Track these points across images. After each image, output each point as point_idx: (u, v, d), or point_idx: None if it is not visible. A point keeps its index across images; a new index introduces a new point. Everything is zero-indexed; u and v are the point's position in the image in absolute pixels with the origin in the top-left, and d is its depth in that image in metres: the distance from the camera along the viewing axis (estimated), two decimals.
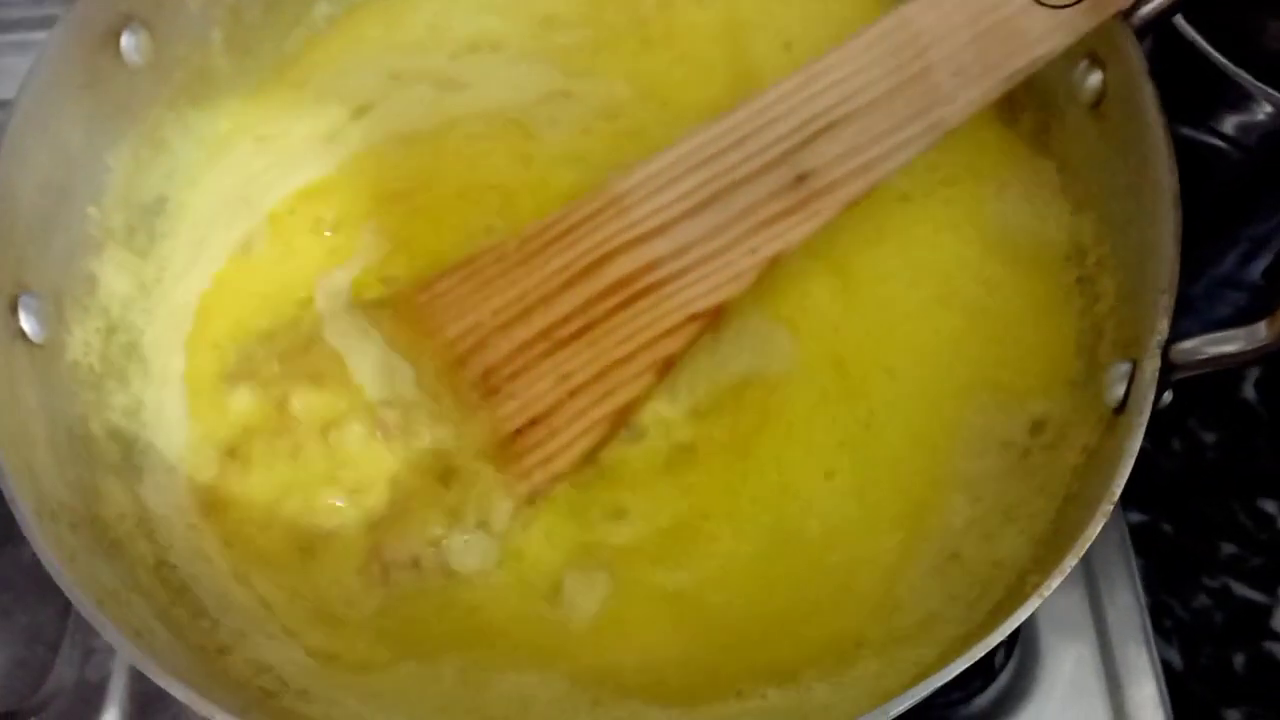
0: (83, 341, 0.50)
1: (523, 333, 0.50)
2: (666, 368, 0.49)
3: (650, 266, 0.49)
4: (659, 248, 0.49)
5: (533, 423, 0.49)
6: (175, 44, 0.54)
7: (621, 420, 0.49)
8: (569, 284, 0.50)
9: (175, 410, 0.51)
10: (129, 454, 0.49)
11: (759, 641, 0.45)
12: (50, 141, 0.49)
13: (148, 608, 0.43)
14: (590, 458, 0.49)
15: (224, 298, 0.53)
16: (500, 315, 0.50)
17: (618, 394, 0.49)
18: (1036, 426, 0.47)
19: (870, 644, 0.44)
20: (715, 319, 0.49)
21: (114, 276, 0.52)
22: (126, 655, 0.37)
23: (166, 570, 0.47)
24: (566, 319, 0.50)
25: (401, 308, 0.52)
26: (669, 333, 0.49)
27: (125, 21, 0.51)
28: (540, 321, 0.50)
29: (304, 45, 0.60)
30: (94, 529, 0.45)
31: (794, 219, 0.48)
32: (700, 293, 0.49)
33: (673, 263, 0.49)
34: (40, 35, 0.48)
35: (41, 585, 0.40)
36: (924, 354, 0.49)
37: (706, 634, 0.45)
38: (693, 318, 0.49)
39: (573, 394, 0.49)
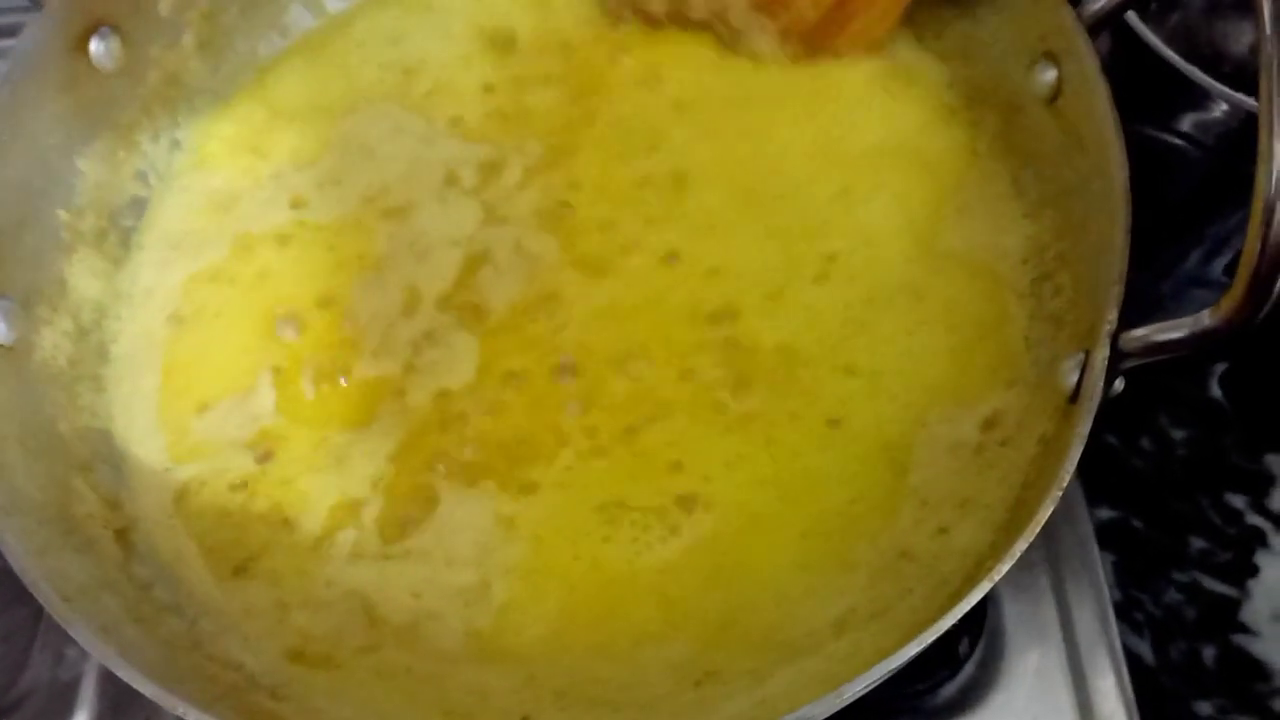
0: (52, 343, 0.50)
1: None
2: None
3: None
4: None
5: None
6: (147, 47, 0.54)
7: None
8: None
9: (146, 418, 0.51)
10: (100, 455, 0.50)
11: (717, 633, 0.45)
12: (22, 142, 0.49)
13: (117, 604, 0.43)
14: None
15: (192, 318, 0.53)
16: None
17: None
18: (988, 423, 0.48)
19: (824, 636, 0.44)
20: None
21: (84, 280, 0.52)
22: (93, 652, 0.38)
23: (137, 567, 0.47)
24: None
25: None
26: None
27: (95, 26, 0.51)
28: None
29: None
30: (63, 526, 0.45)
31: None
32: None
33: None
34: (12, 42, 0.49)
35: (12, 587, 0.40)
36: (879, 375, 0.49)
37: (664, 625, 0.45)
38: None
39: None
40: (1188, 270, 0.66)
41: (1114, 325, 0.40)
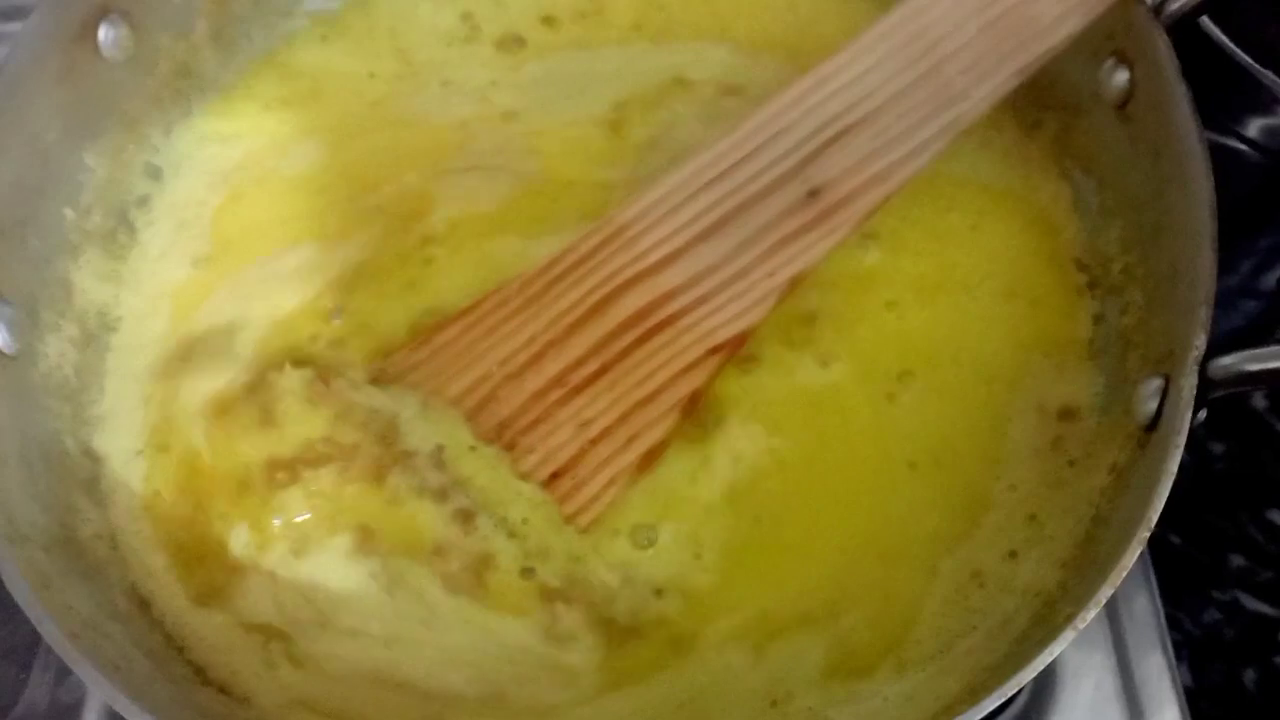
0: (57, 351, 0.48)
1: (535, 381, 0.48)
2: (692, 405, 0.47)
3: (665, 298, 0.47)
4: (672, 278, 0.47)
5: (556, 476, 0.47)
6: (157, 35, 0.52)
7: (649, 464, 0.47)
8: (579, 324, 0.48)
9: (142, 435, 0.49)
10: (104, 472, 0.47)
11: (766, 657, 0.43)
12: (24, 138, 0.47)
13: (126, 636, 0.42)
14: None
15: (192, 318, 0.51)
16: (509, 364, 0.48)
17: (642, 438, 0.46)
18: (1066, 413, 0.46)
19: (884, 671, 0.42)
20: (738, 348, 0.47)
21: (91, 283, 0.50)
22: (100, 692, 0.36)
23: (142, 593, 0.45)
24: (580, 362, 0.47)
25: (399, 367, 0.49)
26: (691, 368, 0.47)
27: (103, 13, 0.49)
28: (552, 368, 0.48)
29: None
30: (69, 551, 0.43)
31: (811, 236, 0.46)
32: (720, 323, 0.47)
33: (688, 293, 0.47)
34: (13, 27, 0.47)
35: (11, 603, 0.38)
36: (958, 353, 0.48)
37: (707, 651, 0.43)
38: (714, 350, 0.47)
39: (594, 442, 0.47)
40: (1237, 281, 0.64)
41: (1201, 352, 0.38)
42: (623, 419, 0.47)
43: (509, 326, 0.48)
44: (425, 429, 0.48)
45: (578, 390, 0.47)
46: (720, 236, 0.47)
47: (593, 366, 0.47)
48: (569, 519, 0.46)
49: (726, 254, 0.47)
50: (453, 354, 0.49)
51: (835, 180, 0.46)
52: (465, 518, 0.46)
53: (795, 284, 0.47)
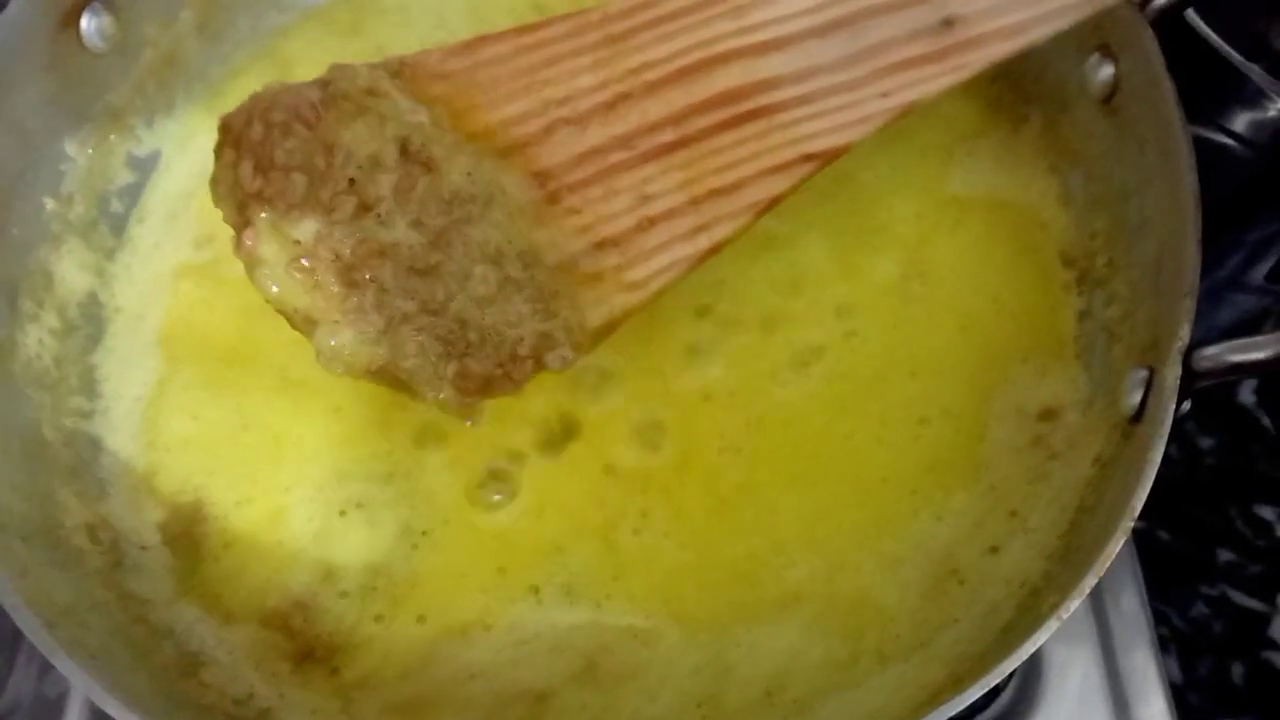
0: (37, 341, 0.48)
1: (597, 135, 0.42)
2: (768, 208, 0.42)
3: (765, 85, 0.42)
4: (777, 65, 0.42)
5: (601, 245, 0.41)
6: (141, 24, 0.52)
7: (705, 259, 0.42)
8: (661, 84, 0.42)
9: (133, 420, 0.49)
10: (86, 462, 0.47)
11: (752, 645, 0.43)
12: (4, 127, 0.47)
13: (106, 625, 0.41)
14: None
15: (188, 308, 0.51)
16: (569, 106, 0.42)
17: (710, 230, 0.42)
18: (1047, 413, 0.46)
19: (865, 662, 0.42)
20: (830, 161, 0.42)
21: (72, 273, 0.50)
22: (78, 683, 0.35)
23: (129, 584, 0.44)
24: (655, 127, 0.42)
25: (427, 70, 0.42)
26: (778, 170, 0.42)
27: (86, 1, 0.48)
28: (620, 126, 0.42)
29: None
30: (48, 540, 0.43)
31: (935, 68, 0.42)
32: (820, 129, 0.42)
33: (791, 88, 0.42)
34: None
35: None
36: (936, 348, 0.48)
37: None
38: (807, 157, 0.42)
39: (654, 221, 0.42)
40: (1225, 275, 0.64)
41: (1185, 343, 0.38)
42: (693, 204, 0.42)
43: (578, 62, 0.42)
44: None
45: (646, 159, 0.42)
46: (839, 37, 0.42)
47: (668, 137, 0.42)
48: (600, 300, 0.41)
49: (841, 59, 0.42)
50: (501, 73, 0.42)
51: (973, 17, 0.43)
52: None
53: (907, 111, 0.42)
